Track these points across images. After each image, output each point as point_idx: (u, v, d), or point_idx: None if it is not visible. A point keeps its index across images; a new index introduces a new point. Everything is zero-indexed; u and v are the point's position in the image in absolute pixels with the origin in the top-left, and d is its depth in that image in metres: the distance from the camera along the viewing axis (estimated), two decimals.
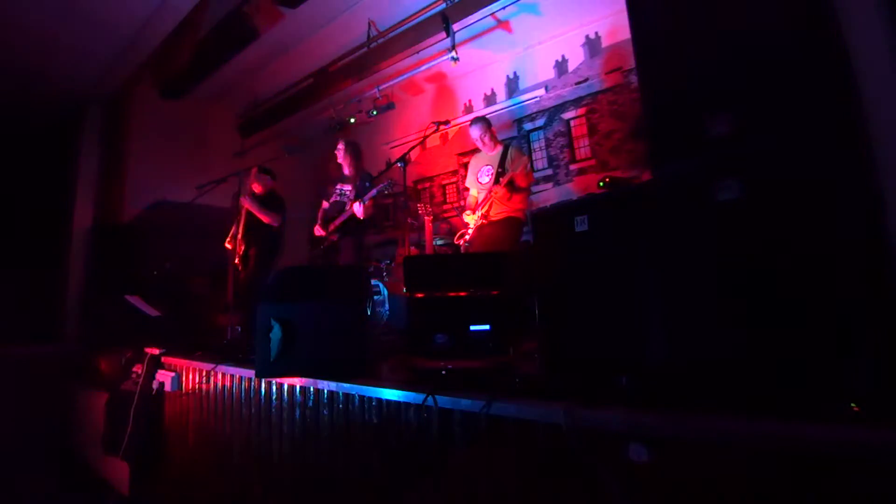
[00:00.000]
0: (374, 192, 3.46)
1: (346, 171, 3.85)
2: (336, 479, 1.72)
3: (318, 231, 3.81)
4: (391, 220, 6.03)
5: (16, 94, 4.92)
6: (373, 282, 3.59)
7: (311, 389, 1.85)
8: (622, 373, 1.21)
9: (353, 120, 5.23)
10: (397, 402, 1.53)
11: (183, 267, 4.67)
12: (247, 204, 3.75)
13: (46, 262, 5.12)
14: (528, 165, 3.22)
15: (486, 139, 3.40)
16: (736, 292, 1.05)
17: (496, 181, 3.21)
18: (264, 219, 3.80)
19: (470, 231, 3.36)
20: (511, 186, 3.15)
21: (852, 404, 0.88)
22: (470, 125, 3.46)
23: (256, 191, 3.93)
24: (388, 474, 1.56)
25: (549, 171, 4.69)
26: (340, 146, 3.86)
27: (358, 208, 3.54)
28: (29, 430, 3.88)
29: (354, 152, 3.86)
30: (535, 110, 4.84)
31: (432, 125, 3.24)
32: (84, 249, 4.88)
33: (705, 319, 1.10)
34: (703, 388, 1.08)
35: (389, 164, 3.35)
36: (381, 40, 4.45)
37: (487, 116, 3.94)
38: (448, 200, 5.56)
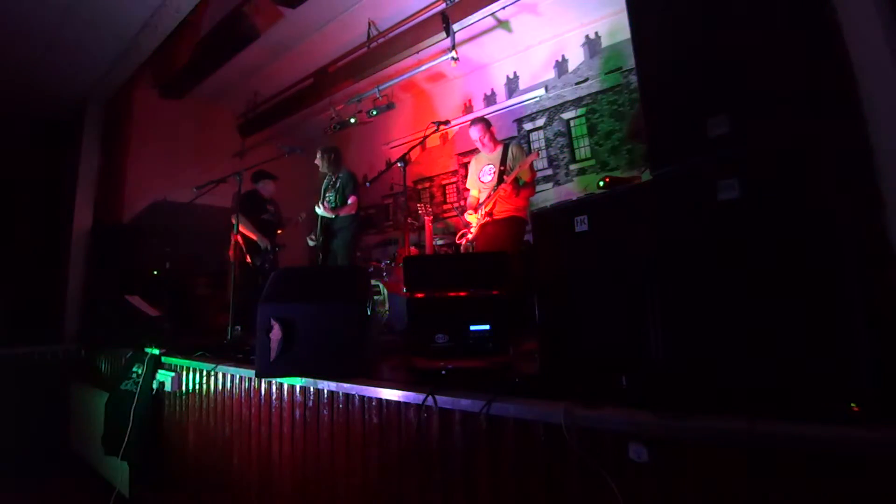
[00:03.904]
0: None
1: (330, 177, 3.91)
2: (336, 479, 1.72)
3: (309, 240, 3.89)
4: (391, 220, 6.04)
5: (15, 94, 4.91)
6: (373, 282, 3.59)
7: (311, 389, 1.85)
8: (622, 373, 1.21)
9: (353, 120, 5.23)
10: (397, 402, 1.53)
11: (183, 267, 4.67)
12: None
13: (46, 262, 5.11)
14: (533, 162, 3.22)
15: (486, 140, 3.41)
16: (736, 292, 1.05)
17: (500, 180, 3.21)
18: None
19: (473, 230, 3.37)
20: (517, 183, 3.15)
21: (852, 404, 0.88)
22: (469, 126, 3.47)
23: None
24: (388, 474, 1.56)
25: (549, 171, 4.69)
26: (318, 154, 3.92)
27: (321, 210, 3.82)
28: (29, 430, 3.88)
29: (333, 158, 3.90)
30: (535, 110, 4.84)
31: (432, 125, 3.24)
32: (84, 249, 4.88)
33: (705, 319, 1.10)
34: (703, 388, 1.08)
35: (389, 164, 3.36)
36: (381, 40, 4.45)
37: (487, 117, 3.95)
38: (448, 200, 5.57)
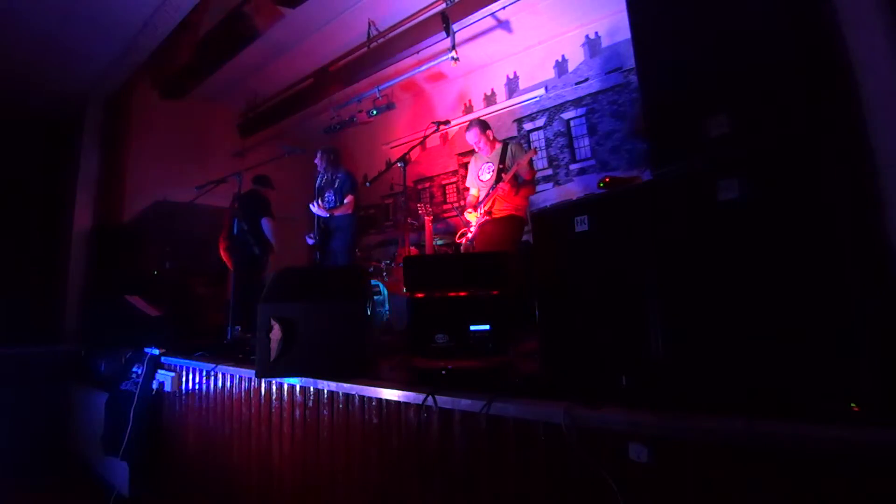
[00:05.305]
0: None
1: (328, 176, 3.93)
2: (336, 479, 1.72)
3: (308, 240, 3.90)
4: (391, 220, 6.04)
5: (16, 95, 4.91)
6: (373, 282, 3.59)
7: (311, 389, 1.85)
8: (622, 373, 1.21)
9: (353, 120, 5.23)
10: (397, 402, 1.53)
11: (183, 267, 4.67)
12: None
13: (46, 262, 5.11)
14: (532, 159, 3.21)
15: (483, 142, 3.40)
16: (736, 292, 1.05)
17: (498, 178, 3.20)
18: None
19: (472, 229, 3.36)
20: (516, 180, 3.15)
21: (852, 404, 0.88)
22: (466, 130, 3.46)
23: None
24: (388, 474, 1.56)
25: (549, 171, 4.69)
26: (318, 154, 3.94)
27: (316, 209, 3.82)
28: (29, 430, 3.88)
29: (332, 158, 3.92)
30: (535, 110, 4.84)
31: (432, 125, 3.24)
32: (84, 249, 4.88)
33: (705, 319, 1.10)
34: (703, 388, 1.08)
35: (389, 164, 3.36)
36: (381, 40, 4.45)
37: (487, 117, 3.95)
38: (448, 200, 5.57)
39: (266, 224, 3.97)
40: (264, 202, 4.07)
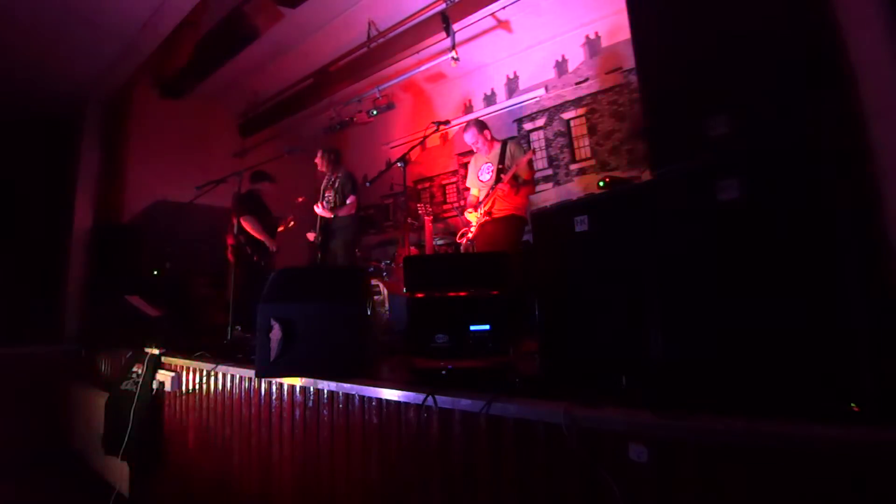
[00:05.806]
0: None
1: (329, 177, 3.94)
2: (336, 479, 1.72)
3: (309, 236, 3.92)
4: (391, 220, 6.04)
5: (16, 94, 4.91)
6: (373, 282, 3.59)
7: (311, 389, 1.85)
8: (622, 373, 1.21)
9: (353, 120, 5.24)
10: (397, 402, 1.53)
11: (183, 267, 4.67)
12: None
13: (46, 262, 5.11)
14: (531, 159, 3.22)
15: (481, 143, 3.41)
16: (736, 292, 1.05)
17: (498, 178, 3.21)
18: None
19: (473, 229, 3.36)
20: (515, 181, 3.15)
21: (852, 404, 0.88)
22: (464, 132, 3.47)
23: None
24: (388, 474, 1.56)
25: (549, 171, 4.69)
26: (318, 154, 3.95)
27: (320, 210, 3.87)
28: (29, 430, 3.88)
29: (333, 159, 3.94)
30: (535, 110, 4.84)
31: (432, 125, 3.24)
32: (84, 249, 4.88)
33: (705, 319, 1.10)
34: (703, 388, 1.08)
35: (389, 164, 3.36)
36: (381, 40, 4.45)
37: (485, 118, 3.95)
38: (448, 200, 5.57)
39: (245, 222, 3.89)
40: (246, 200, 3.98)
